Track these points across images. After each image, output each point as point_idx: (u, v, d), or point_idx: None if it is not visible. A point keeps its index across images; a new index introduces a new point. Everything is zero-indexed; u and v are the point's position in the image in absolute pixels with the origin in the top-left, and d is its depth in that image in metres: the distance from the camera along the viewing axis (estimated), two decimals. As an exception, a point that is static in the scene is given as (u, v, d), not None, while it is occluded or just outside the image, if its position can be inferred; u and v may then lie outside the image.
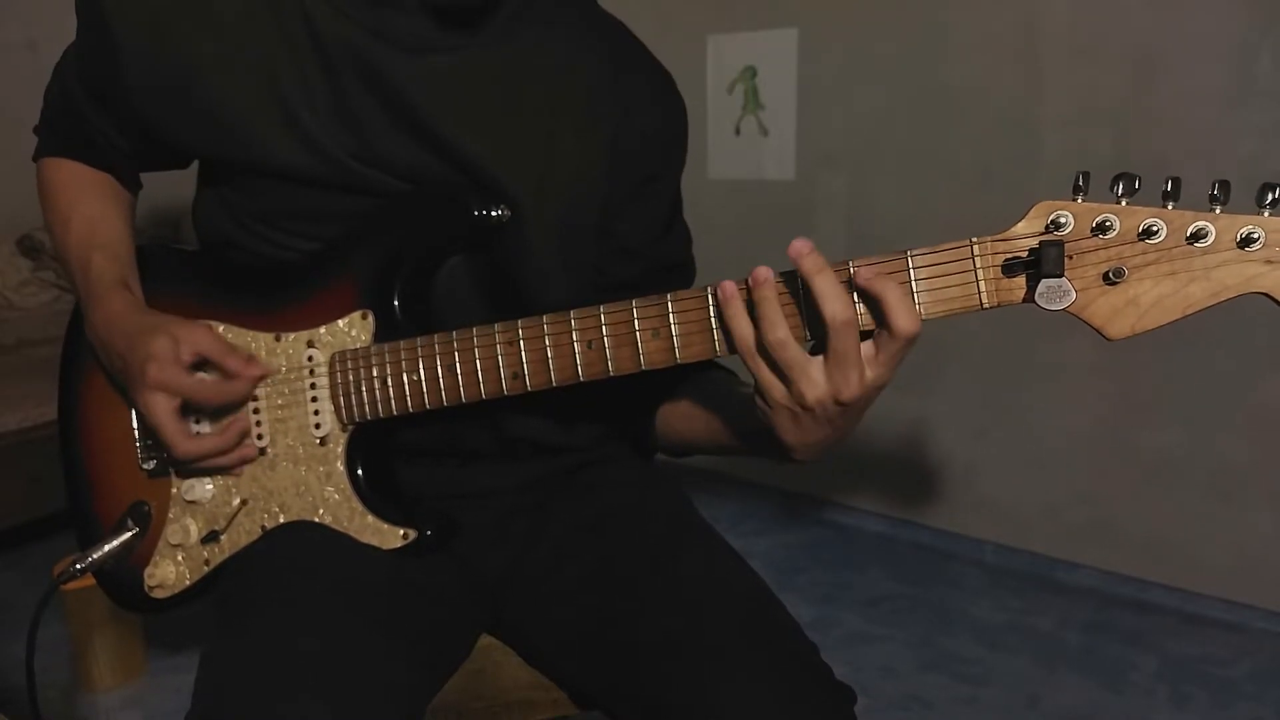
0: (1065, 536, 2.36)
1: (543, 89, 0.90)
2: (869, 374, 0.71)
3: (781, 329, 0.70)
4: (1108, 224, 0.66)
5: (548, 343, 0.80)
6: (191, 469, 0.92)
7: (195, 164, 0.99)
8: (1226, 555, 2.15)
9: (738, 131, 2.75)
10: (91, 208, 0.98)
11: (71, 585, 0.95)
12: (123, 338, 0.89)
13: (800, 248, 0.69)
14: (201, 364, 0.89)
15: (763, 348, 0.72)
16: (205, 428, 0.91)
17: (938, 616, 2.22)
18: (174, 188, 1.15)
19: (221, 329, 0.92)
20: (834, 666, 0.85)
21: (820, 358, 0.71)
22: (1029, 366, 2.34)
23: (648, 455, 1.07)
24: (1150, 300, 0.66)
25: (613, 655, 0.87)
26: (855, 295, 0.70)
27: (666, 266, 1.01)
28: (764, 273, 0.71)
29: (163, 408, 0.86)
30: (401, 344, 0.86)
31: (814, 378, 0.71)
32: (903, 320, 0.69)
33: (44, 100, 1.01)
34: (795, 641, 0.85)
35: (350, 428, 0.89)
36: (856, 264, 0.70)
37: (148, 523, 0.95)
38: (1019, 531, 2.43)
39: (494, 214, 0.87)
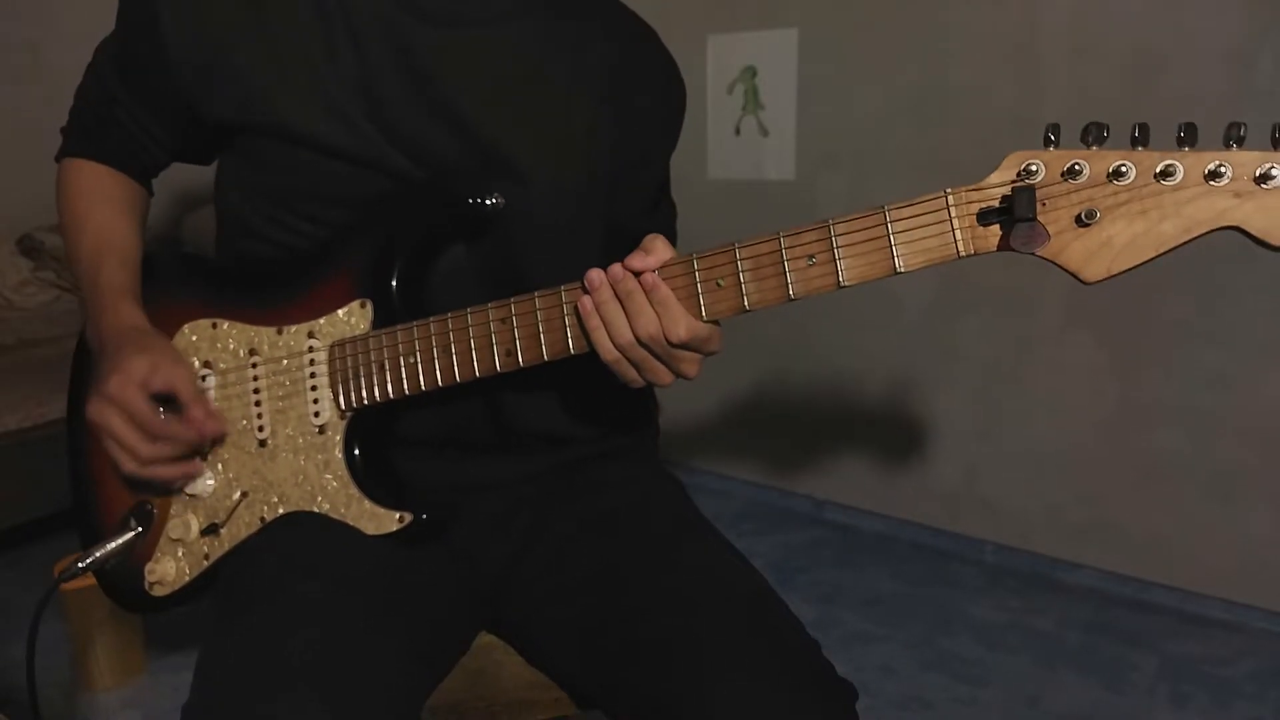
0: (1065, 536, 2.36)
1: (562, 64, 0.93)
2: (697, 356, 0.80)
3: (626, 331, 0.78)
4: (1077, 168, 0.68)
5: (539, 318, 0.81)
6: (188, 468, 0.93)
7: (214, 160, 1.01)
8: (1226, 555, 2.15)
9: (738, 131, 2.75)
10: (107, 214, 0.99)
11: (71, 585, 0.95)
12: (114, 345, 0.90)
13: (592, 279, 0.79)
14: (168, 401, 0.90)
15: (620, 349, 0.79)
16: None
17: (938, 616, 2.22)
18: (174, 189, 1.15)
19: (225, 326, 0.93)
20: (834, 666, 0.85)
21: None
22: (1030, 367, 2.35)
23: (649, 451, 1.08)
24: (1124, 240, 0.67)
25: (613, 654, 0.87)
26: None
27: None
28: (598, 277, 0.78)
29: (115, 419, 0.87)
30: (399, 329, 0.87)
31: (660, 372, 0.80)
32: (680, 327, 0.77)
33: (76, 99, 1.02)
34: (797, 640, 0.85)
35: (348, 414, 0.89)
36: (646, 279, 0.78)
37: (150, 521, 0.96)
38: (1019, 531, 2.43)
39: (488, 202, 0.88)
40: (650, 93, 0.98)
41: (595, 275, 0.78)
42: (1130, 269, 0.68)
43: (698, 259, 0.77)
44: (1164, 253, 0.67)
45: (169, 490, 0.94)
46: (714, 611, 0.85)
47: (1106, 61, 2.12)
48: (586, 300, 0.78)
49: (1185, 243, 0.66)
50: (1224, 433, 2.12)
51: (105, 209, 1.00)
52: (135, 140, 1.00)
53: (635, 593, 0.89)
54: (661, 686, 0.81)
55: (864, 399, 2.62)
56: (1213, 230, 0.65)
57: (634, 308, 0.77)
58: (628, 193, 0.98)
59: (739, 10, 2.67)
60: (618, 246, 0.98)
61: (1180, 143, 0.65)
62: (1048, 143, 0.69)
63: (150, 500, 0.96)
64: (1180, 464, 2.17)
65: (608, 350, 0.79)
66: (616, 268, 0.78)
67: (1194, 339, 2.06)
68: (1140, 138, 0.66)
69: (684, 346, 0.78)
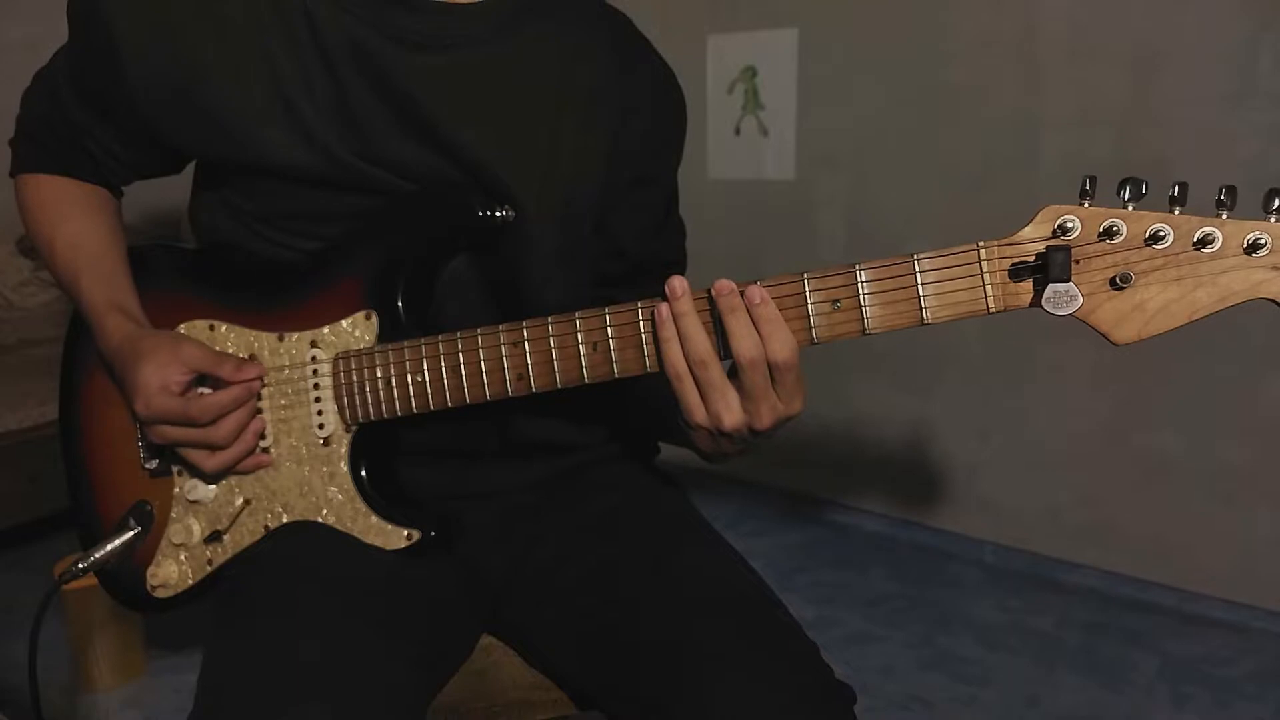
0: (1065, 537, 2.36)
1: (546, 86, 0.90)
2: (780, 407, 0.74)
3: (702, 346, 0.73)
4: (1115, 229, 0.66)
5: (552, 344, 0.80)
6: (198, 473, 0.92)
7: (189, 167, 0.99)
8: (1226, 555, 2.15)
9: (738, 131, 2.75)
10: (75, 226, 0.97)
11: (72, 585, 0.95)
12: (119, 366, 0.89)
13: (720, 288, 0.72)
14: (200, 379, 0.89)
15: (690, 367, 0.74)
16: None
17: (938, 616, 2.22)
18: (173, 188, 1.14)
19: (224, 329, 0.92)
20: (834, 666, 0.84)
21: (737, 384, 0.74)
22: (1030, 367, 2.35)
23: (650, 452, 1.08)
24: (1157, 305, 0.66)
25: (613, 655, 0.87)
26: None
27: (659, 264, 1.02)
28: (680, 285, 0.73)
29: (173, 436, 0.87)
30: (405, 345, 0.86)
31: (731, 405, 0.74)
32: (774, 348, 0.72)
33: (24, 109, 0.99)
34: (796, 642, 0.85)
35: (354, 428, 0.89)
36: (750, 294, 0.72)
37: (150, 522, 0.95)
38: (1019, 531, 2.43)
39: (498, 214, 0.87)
40: (643, 114, 0.95)
41: (678, 283, 0.73)
42: (1162, 333, 0.67)
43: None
44: (1196, 319, 0.66)
45: (236, 474, 0.92)
46: (713, 613, 0.85)
47: (1106, 61, 2.12)
48: (664, 308, 0.74)
49: (1218, 311, 0.66)
50: (1224, 433, 2.12)
51: (69, 222, 0.97)
52: (102, 162, 0.97)
53: (634, 594, 0.89)
54: (660, 688, 0.81)
55: (864, 399, 2.62)
56: (1247, 301, 0.65)
57: (738, 326, 0.72)
58: (627, 214, 0.97)
59: (739, 10, 2.67)
60: (620, 269, 0.98)
61: (1219, 205, 0.64)
62: (1083, 195, 0.67)
63: (149, 501, 0.96)
64: (1180, 464, 2.18)
65: (675, 364, 0.74)
66: (723, 283, 0.73)
67: (1194, 339, 2.06)
68: (1179, 197, 0.65)
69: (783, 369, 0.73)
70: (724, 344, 0.73)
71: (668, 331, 0.74)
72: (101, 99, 0.92)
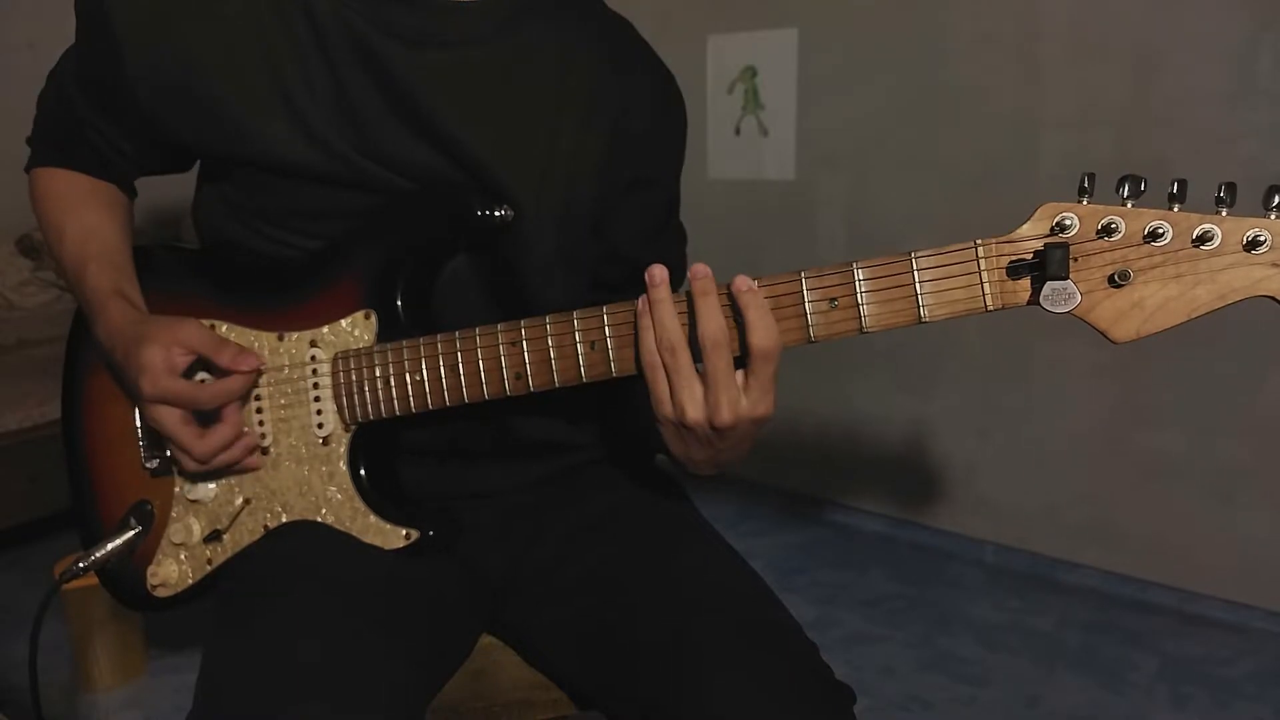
0: (1065, 536, 2.36)
1: (546, 86, 0.90)
2: (743, 402, 0.74)
3: (673, 332, 0.74)
4: (1113, 226, 0.66)
5: (550, 343, 0.80)
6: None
7: (195, 165, 0.99)
8: (1226, 555, 2.15)
9: (738, 131, 2.75)
10: (86, 218, 0.97)
11: (72, 585, 0.95)
12: (121, 349, 0.89)
13: (696, 270, 0.74)
14: (201, 365, 0.88)
15: (659, 353, 0.75)
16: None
17: (938, 616, 2.22)
18: (174, 188, 1.15)
19: (224, 329, 0.92)
20: (834, 666, 0.84)
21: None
22: (1030, 367, 2.35)
23: (649, 455, 1.08)
24: (1156, 303, 0.66)
25: (612, 655, 0.87)
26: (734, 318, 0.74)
27: None
28: (660, 274, 0.74)
29: (169, 418, 0.86)
30: (404, 344, 0.86)
31: (695, 395, 0.74)
32: (757, 336, 0.72)
33: (38, 109, 1.00)
34: (795, 642, 0.85)
35: (353, 428, 0.89)
36: (737, 282, 0.73)
37: (150, 522, 0.95)
38: (1019, 531, 2.43)
39: (497, 214, 0.87)
40: (642, 116, 0.95)
41: (658, 271, 0.74)
42: (1161, 331, 0.67)
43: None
44: (1196, 317, 0.66)
45: (237, 469, 0.92)
46: (712, 613, 0.84)
47: (1106, 61, 2.12)
48: (642, 299, 0.75)
49: (1218, 308, 0.65)
50: (1224, 433, 2.12)
51: (82, 213, 0.97)
52: (108, 157, 0.98)
53: (634, 594, 0.89)
54: (659, 688, 0.81)
55: (864, 399, 2.62)
56: (1247, 298, 0.64)
57: (705, 308, 0.73)
58: (625, 217, 0.96)
59: (739, 10, 2.67)
60: (618, 273, 0.98)
61: (1218, 203, 0.64)
62: (1081, 192, 0.67)
63: (149, 500, 0.96)
64: (1180, 464, 2.18)
65: (649, 353, 0.75)
66: (699, 266, 0.74)
67: (1194, 339, 2.06)
68: (1178, 194, 0.65)
69: (754, 361, 0.73)
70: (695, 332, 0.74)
71: (645, 321, 0.75)
72: (105, 94, 0.92)
